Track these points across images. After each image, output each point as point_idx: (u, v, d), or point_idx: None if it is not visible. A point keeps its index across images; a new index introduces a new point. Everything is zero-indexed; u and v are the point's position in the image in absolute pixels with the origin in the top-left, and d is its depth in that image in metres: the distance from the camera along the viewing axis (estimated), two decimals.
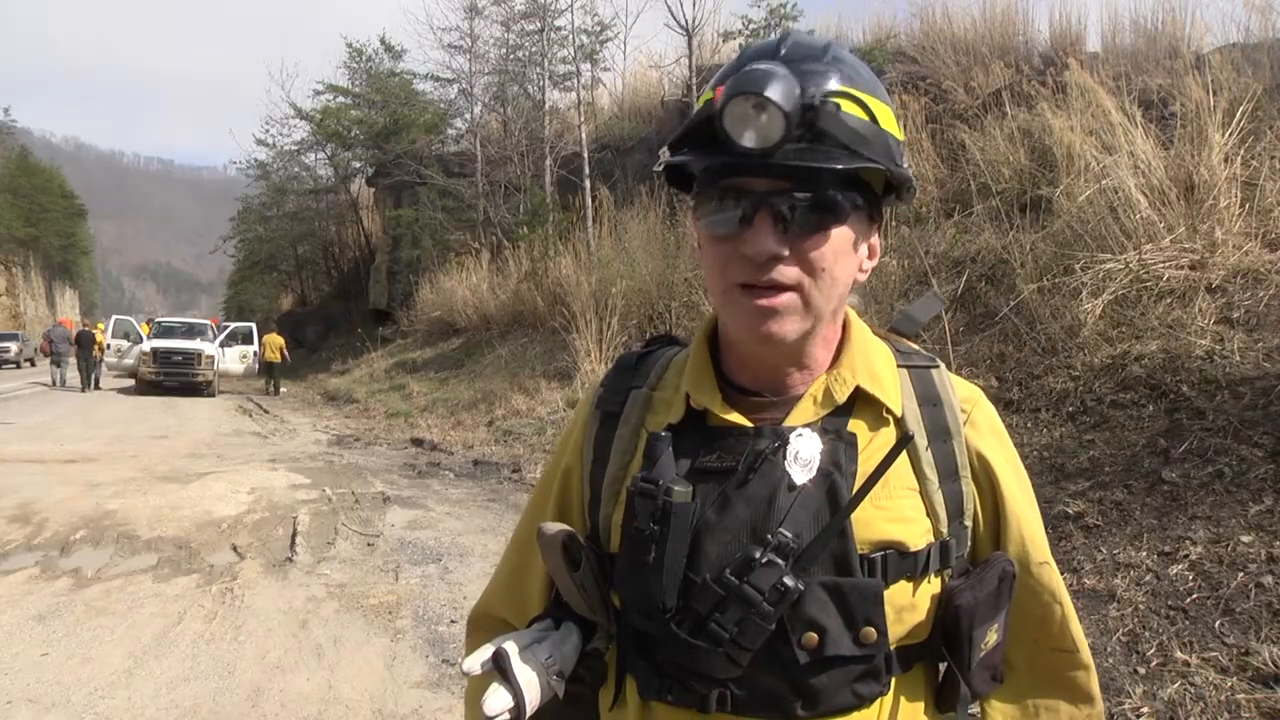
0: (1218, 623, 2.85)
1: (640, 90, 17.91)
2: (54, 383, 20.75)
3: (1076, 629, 0.93)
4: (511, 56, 19.98)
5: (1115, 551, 3.44)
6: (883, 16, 14.00)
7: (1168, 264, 5.09)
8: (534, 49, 19.07)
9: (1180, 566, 3.17)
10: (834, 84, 0.77)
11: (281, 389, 20.33)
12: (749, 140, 0.75)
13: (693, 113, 0.80)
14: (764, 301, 0.79)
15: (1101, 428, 4.37)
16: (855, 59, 0.82)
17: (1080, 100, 6.95)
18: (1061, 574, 0.94)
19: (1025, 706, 0.93)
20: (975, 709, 0.97)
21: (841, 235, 0.80)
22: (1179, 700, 2.59)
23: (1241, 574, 2.99)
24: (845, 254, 0.81)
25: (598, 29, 18.49)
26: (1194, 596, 3.01)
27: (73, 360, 20.44)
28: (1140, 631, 2.96)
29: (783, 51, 0.79)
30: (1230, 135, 5.23)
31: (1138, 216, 5.34)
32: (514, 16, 19.39)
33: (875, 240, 0.87)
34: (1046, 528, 0.95)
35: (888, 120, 0.81)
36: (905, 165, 0.83)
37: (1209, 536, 3.26)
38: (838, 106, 0.76)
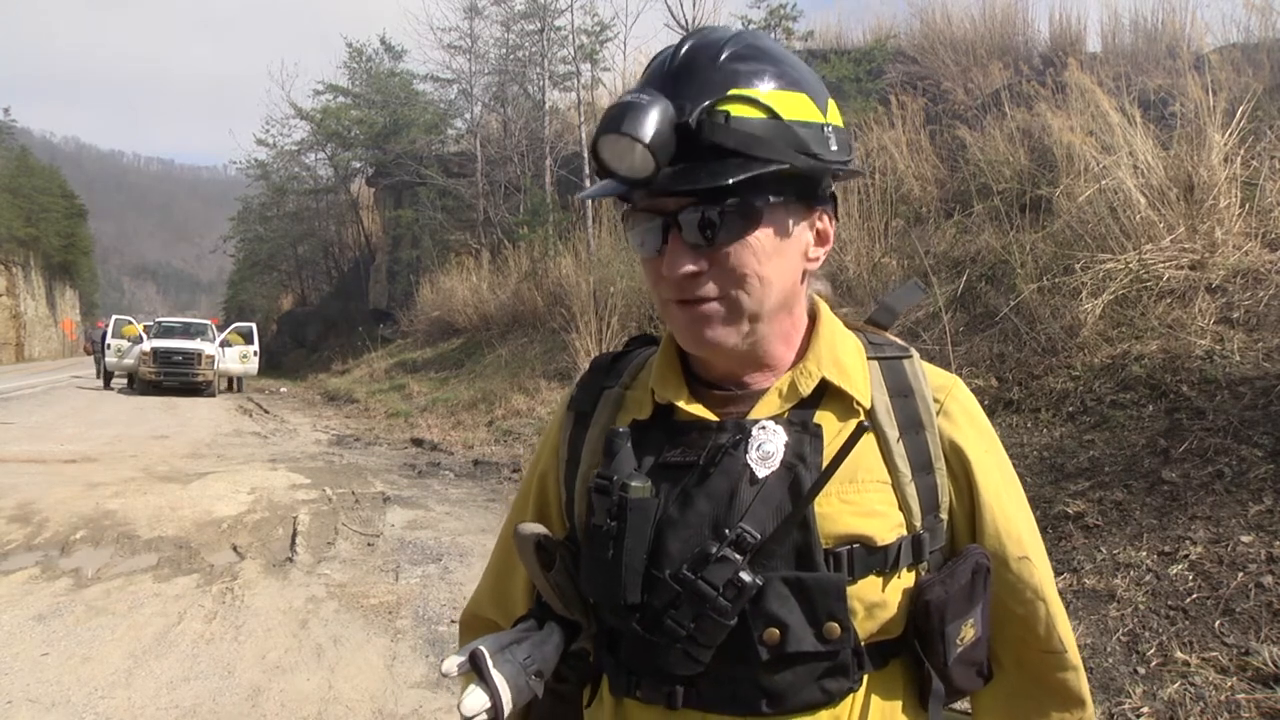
0: (1218, 623, 2.85)
1: None
2: (98, 375, 22.68)
3: (1064, 629, 0.90)
4: (511, 56, 20.01)
5: (1115, 551, 3.43)
6: (882, 17, 14.04)
7: (1168, 264, 5.08)
8: (534, 49, 19.09)
9: (1180, 566, 3.17)
10: (724, 90, 0.75)
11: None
12: (625, 172, 0.75)
13: None
14: (694, 311, 0.80)
15: (1101, 428, 4.36)
16: (767, 46, 0.80)
17: (1080, 100, 6.95)
18: (1061, 574, 0.92)
19: (1012, 708, 0.91)
20: (965, 705, 0.96)
21: (763, 237, 0.79)
22: (1179, 700, 2.59)
23: (1241, 574, 2.99)
24: (773, 253, 0.79)
25: (597, 29, 18.47)
26: (1194, 596, 3.01)
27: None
28: (1140, 631, 2.96)
29: (679, 56, 0.78)
30: (1230, 135, 5.23)
31: (1137, 216, 5.34)
32: (514, 16, 19.43)
33: (825, 225, 0.85)
34: (1046, 528, 0.93)
35: (798, 109, 0.78)
36: (831, 146, 0.80)
37: (1209, 536, 3.26)
38: (726, 116, 0.74)
